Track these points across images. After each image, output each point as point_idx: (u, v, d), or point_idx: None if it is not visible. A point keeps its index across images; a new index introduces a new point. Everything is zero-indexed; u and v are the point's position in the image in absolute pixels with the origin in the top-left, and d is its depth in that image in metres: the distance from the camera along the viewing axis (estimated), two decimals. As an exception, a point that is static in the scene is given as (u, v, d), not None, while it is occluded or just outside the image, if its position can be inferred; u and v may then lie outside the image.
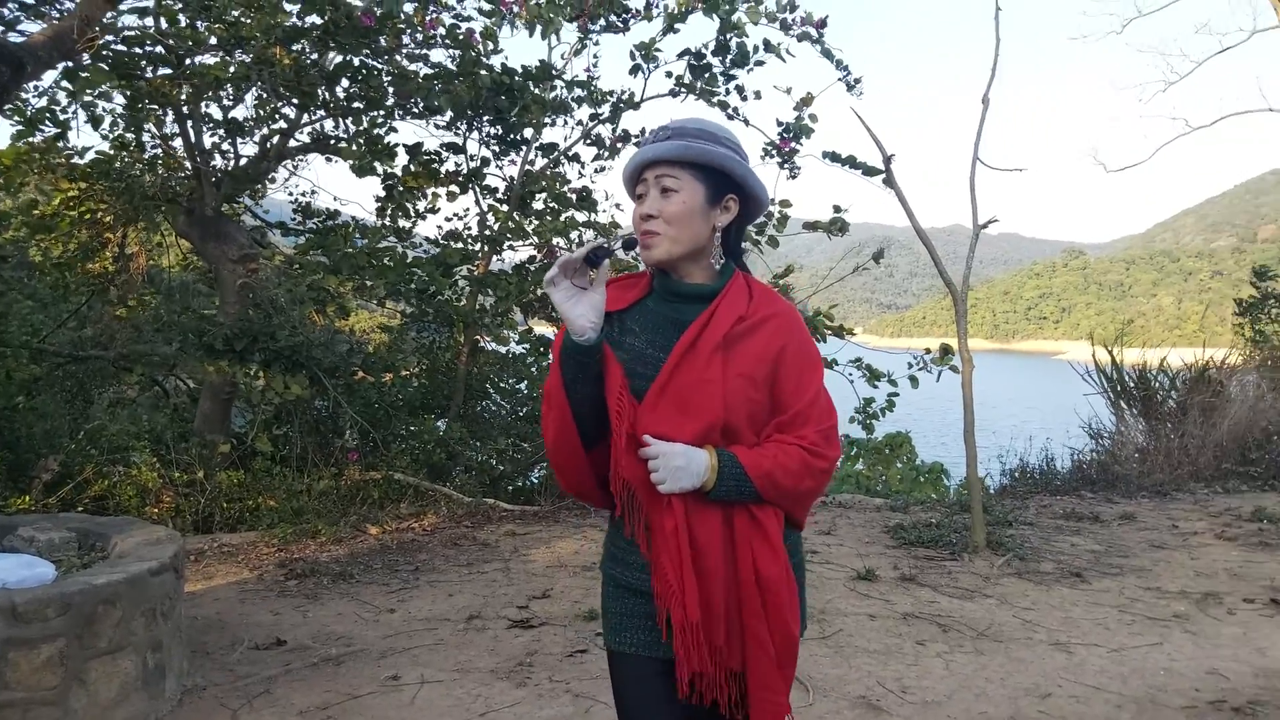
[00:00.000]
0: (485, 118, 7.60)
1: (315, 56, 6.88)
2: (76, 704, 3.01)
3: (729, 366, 1.72)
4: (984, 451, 7.74)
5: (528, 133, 7.98)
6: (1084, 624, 4.48)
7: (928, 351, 7.46)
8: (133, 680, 3.19)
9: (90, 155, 7.20)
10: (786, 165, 7.76)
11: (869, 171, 7.28)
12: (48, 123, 6.53)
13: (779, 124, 7.66)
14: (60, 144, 6.84)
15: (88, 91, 5.82)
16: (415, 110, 7.25)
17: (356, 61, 6.86)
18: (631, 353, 1.77)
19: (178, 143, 7.42)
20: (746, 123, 7.84)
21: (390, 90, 6.98)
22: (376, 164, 7.25)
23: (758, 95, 7.90)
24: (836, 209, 7.59)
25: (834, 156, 7.49)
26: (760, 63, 7.72)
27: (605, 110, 8.04)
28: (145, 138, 7.45)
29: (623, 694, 1.83)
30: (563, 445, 1.71)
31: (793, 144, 7.64)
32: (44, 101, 6.49)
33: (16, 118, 6.38)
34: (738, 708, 1.70)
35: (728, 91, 7.77)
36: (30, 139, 6.61)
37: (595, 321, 1.66)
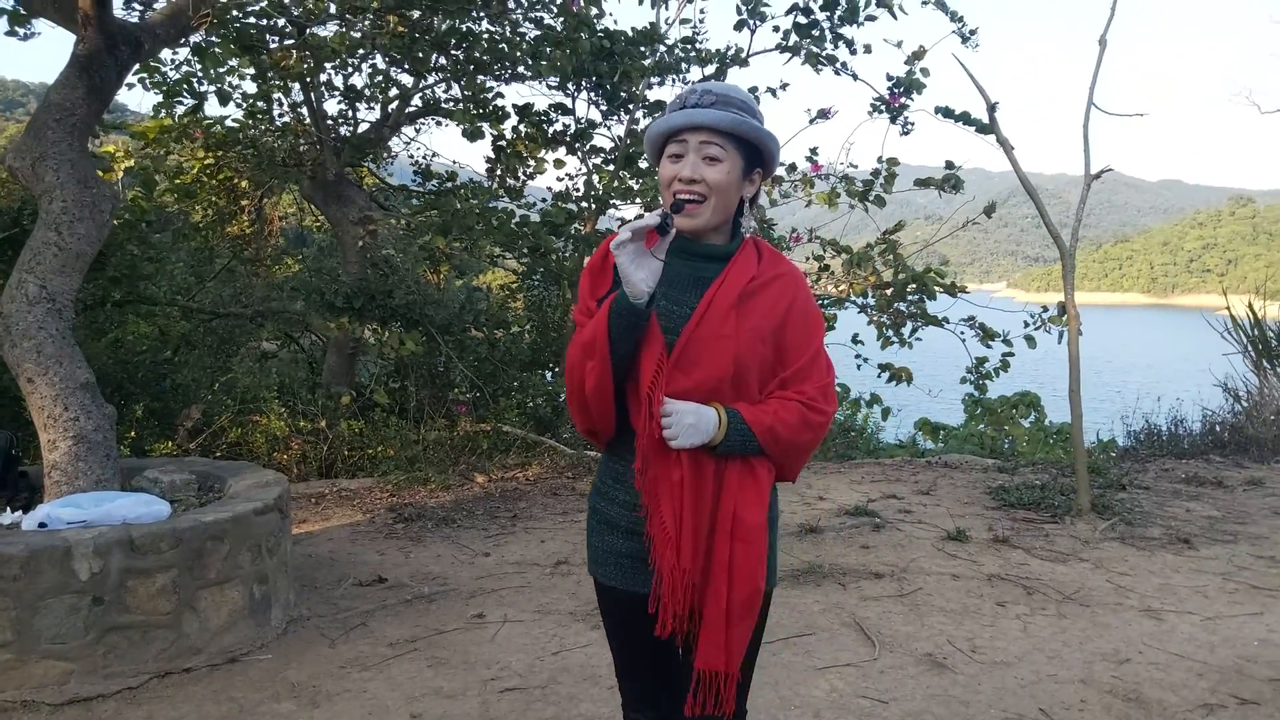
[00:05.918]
0: (590, 80, 7.68)
1: (427, 23, 7.11)
2: (189, 628, 3.35)
3: (742, 322, 1.80)
4: (1113, 410, 7.36)
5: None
6: (1181, 591, 4.32)
7: (1044, 309, 7.17)
8: (240, 609, 3.52)
9: (227, 124, 7.71)
10: (896, 121, 7.54)
11: (984, 129, 6.99)
12: (185, 95, 7.02)
13: (889, 78, 7.44)
14: (198, 115, 7.33)
15: (217, 67, 6.21)
16: (522, 74, 7.40)
17: (464, 27, 7.05)
18: (657, 309, 1.85)
19: (304, 110, 7.83)
20: (855, 77, 7.64)
21: (495, 55, 7.15)
22: (485, 126, 7.46)
23: (868, 49, 7.67)
24: (949, 165, 7.32)
25: (947, 112, 7.21)
26: (871, 18, 7.50)
27: (712, 69, 7.98)
28: (275, 108, 7.89)
29: (605, 619, 2.01)
30: (600, 394, 1.81)
31: (903, 99, 7.42)
32: (180, 75, 6.96)
33: (156, 90, 6.88)
34: (693, 644, 1.79)
35: (836, 47, 7.58)
36: (169, 111, 7.12)
37: (652, 286, 1.74)
